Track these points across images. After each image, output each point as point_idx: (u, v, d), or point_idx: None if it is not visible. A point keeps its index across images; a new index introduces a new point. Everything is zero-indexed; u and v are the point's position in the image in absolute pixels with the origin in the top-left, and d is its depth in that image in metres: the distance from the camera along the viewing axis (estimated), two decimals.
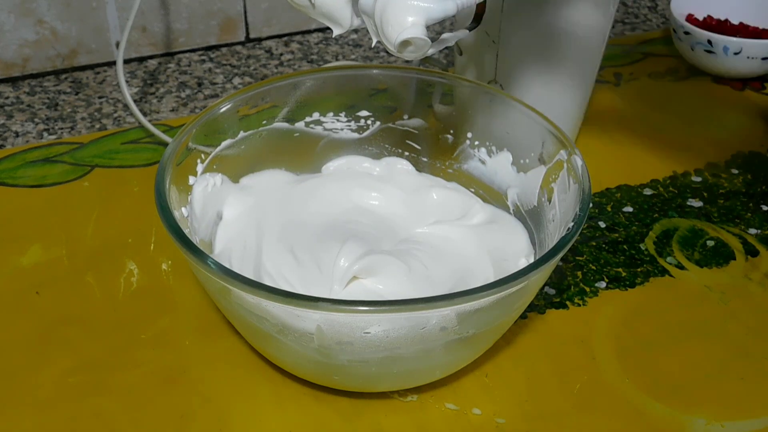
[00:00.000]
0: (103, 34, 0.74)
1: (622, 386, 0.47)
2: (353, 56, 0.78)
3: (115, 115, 0.69)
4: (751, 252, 0.56)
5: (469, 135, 0.55)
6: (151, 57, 0.77)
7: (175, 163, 0.47)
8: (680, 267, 0.55)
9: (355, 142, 0.56)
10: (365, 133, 0.56)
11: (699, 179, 0.63)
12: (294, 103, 0.54)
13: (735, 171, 0.64)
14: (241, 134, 0.53)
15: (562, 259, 0.48)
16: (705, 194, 0.61)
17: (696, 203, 0.60)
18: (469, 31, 0.48)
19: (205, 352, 0.49)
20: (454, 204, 0.53)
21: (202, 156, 0.50)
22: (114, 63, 0.74)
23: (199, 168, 0.50)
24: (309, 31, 0.81)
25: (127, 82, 0.72)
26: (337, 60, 0.78)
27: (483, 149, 0.54)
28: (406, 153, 0.57)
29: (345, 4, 0.45)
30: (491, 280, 0.45)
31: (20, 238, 0.56)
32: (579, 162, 0.47)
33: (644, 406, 0.46)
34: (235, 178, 0.53)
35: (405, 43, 0.41)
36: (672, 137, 0.68)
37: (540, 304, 0.52)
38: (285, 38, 0.80)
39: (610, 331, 0.51)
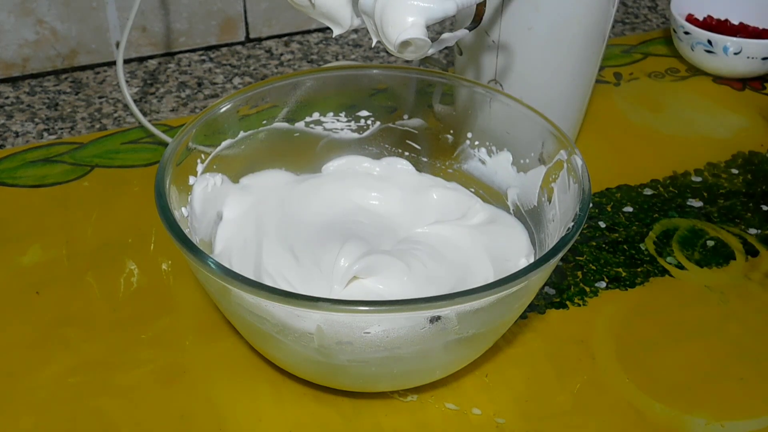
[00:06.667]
0: (103, 34, 0.74)
1: (622, 386, 0.47)
2: (353, 56, 0.78)
3: (115, 115, 0.69)
4: (751, 252, 0.56)
5: (469, 135, 0.55)
6: (151, 57, 0.77)
7: (175, 163, 0.47)
8: (680, 267, 0.55)
9: (355, 142, 0.56)
10: (365, 133, 0.56)
11: (699, 179, 0.63)
12: (294, 103, 0.54)
13: (735, 171, 0.64)
14: (241, 134, 0.53)
15: (562, 259, 0.48)
16: (705, 194, 0.61)
17: (696, 203, 0.60)
18: (469, 31, 0.48)
19: (205, 352, 0.49)
20: (454, 204, 0.53)
21: (202, 156, 0.50)
22: (114, 63, 0.74)
23: (199, 168, 0.50)
24: (309, 31, 0.81)
25: (127, 82, 0.72)
26: (337, 60, 0.78)
27: (483, 149, 0.54)
28: (406, 153, 0.57)
29: (345, 4, 0.45)
30: (491, 280, 0.45)
31: (20, 238, 0.56)
32: (579, 162, 0.47)
33: (644, 406, 0.46)
34: (235, 178, 0.53)
35: (405, 44, 0.41)
36: (672, 137, 0.68)
37: (540, 304, 0.52)
38: (285, 38, 0.80)
39: (610, 331, 0.51)
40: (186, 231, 0.43)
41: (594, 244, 0.57)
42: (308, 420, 0.45)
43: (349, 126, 0.56)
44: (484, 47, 0.58)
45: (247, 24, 0.78)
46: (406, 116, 0.56)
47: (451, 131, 0.55)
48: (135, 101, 0.69)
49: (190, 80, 0.74)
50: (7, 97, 0.71)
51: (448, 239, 0.50)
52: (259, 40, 0.80)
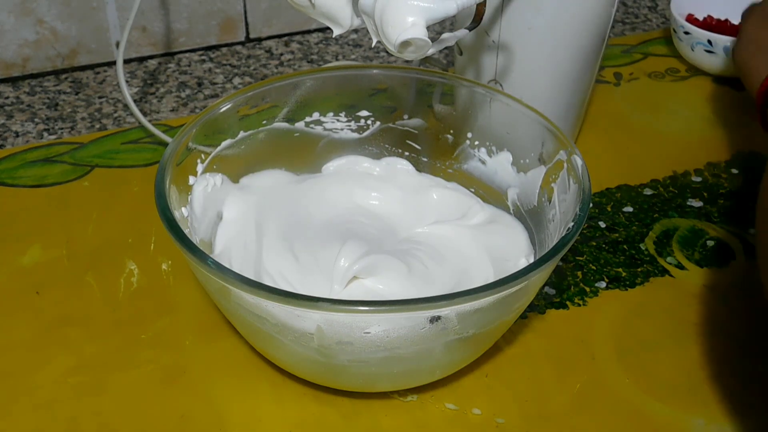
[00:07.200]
0: (103, 34, 0.74)
1: (622, 386, 0.47)
2: (353, 56, 0.78)
3: (115, 115, 0.69)
4: (751, 252, 0.56)
5: (469, 135, 0.55)
6: (151, 57, 0.77)
7: (175, 163, 0.47)
8: (680, 267, 0.55)
9: (355, 142, 0.56)
10: (365, 133, 0.56)
11: (699, 179, 0.63)
12: (294, 103, 0.54)
13: (735, 171, 0.64)
14: (241, 134, 0.53)
15: (562, 259, 0.48)
16: (705, 194, 0.61)
17: (696, 203, 0.60)
18: (469, 31, 0.48)
19: (205, 352, 0.49)
20: (454, 204, 0.53)
21: (202, 156, 0.50)
22: (114, 63, 0.74)
23: (199, 168, 0.50)
24: (309, 31, 0.81)
25: (127, 82, 0.72)
26: (337, 60, 0.78)
27: (483, 149, 0.54)
28: (406, 153, 0.57)
29: (345, 4, 0.45)
30: (491, 280, 0.45)
31: (20, 238, 0.56)
32: (579, 162, 0.47)
33: (644, 406, 0.46)
34: (235, 178, 0.53)
35: (405, 44, 0.41)
36: (672, 137, 0.68)
37: (540, 304, 0.52)
38: (285, 38, 0.80)
39: (610, 331, 0.51)
40: (186, 231, 0.43)
41: (594, 244, 0.57)
42: (308, 420, 0.45)
43: (349, 126, 0.56)
44: (484, 47, 0.58)
45: (247, 24, 0.78)
46: (406, 116, 0.56)
47: (451, 131, 0.55)
48: (135, 101, 0.69)
49: (190, 80, 0.74)
50: (7, 97, 0.71)
51: (448, 239, 0.50)
52: (259, 40, 0.80)
